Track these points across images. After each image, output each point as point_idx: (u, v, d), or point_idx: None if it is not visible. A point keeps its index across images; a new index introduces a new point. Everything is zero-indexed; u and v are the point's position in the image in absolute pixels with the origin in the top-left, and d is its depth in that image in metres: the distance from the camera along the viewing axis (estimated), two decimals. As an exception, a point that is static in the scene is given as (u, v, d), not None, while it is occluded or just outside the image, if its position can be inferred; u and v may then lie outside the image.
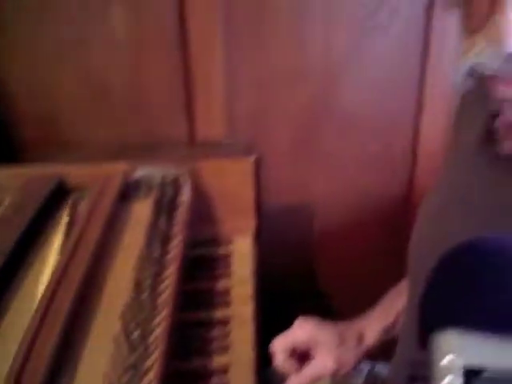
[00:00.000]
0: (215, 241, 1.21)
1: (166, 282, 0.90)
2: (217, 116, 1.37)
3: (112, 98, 1.37)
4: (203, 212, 1.19)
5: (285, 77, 1.34)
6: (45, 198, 1.10)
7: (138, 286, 0.86)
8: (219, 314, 1.01)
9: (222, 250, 1.19)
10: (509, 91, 0.48)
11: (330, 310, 1.61)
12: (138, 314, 0.81)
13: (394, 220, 1.55)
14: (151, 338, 0.78)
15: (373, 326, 0.87)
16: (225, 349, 0.93)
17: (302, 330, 0.85)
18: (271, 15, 1.29)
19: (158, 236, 0.99)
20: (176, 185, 1.12)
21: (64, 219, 1.10)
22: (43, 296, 0.81)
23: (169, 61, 1.32)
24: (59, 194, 1.15)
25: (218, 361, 0.93)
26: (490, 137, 0.61)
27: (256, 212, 1.22)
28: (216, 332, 0.96)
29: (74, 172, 1.19)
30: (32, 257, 0.97)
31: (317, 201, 1.52)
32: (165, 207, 1.06)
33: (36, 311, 0.78)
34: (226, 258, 1.16)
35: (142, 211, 1.09)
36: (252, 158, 1.19)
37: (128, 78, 1.35)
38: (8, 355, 0.71)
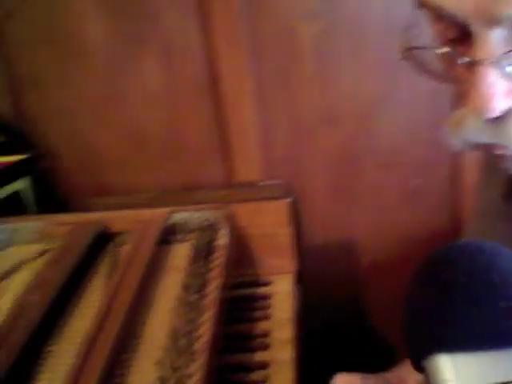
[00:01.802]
0: (254, 282, 1.18)
1: (204, 328, 0.88)
2: (253, 157, 1.36)
3: (149, 146, 1.39)
4: (241, 253, 1.17)
5: (318, 118, 1.33)
6: (89, 244, 1.11)
7: (175, 331, 0.84)
8: (258, 357, 0.97)
9: (261, 292, 1.16)
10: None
11: (380, 347, 1.55)
12: (174, 360, 0.78)
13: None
14: (187, 386, 0.76)
15: (415, 373, 0.82)
16: (264, 395, 0.89)
17: None
18: (299, 59, 1.29)
19: (195, 280, 0.97)
20: (213, 228, 1.11)
21: (106, 263, 1.11)
22: (84, 341, 0.80)
23: (203, 106, 1.34)
24: (102, 240, 1.16)
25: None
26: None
27: (295, 252, 1.19)
28: (254, 376, 0.93)
29: (115, 218, 1.20)
30: (77, 300, 0.97)
31: (359, 237, 1.48)
32: (202, 251, 1.05)
33: (76, 357, 0.77)
34: (266, 299, 1.13)
35: (180, 255, 1.08)
36: (289, 199, 1.17)
37: (164, 125, 1.37)
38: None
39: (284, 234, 1.17)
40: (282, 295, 1.14)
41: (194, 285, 0.96)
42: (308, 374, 1.02)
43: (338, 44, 1.27)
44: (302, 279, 1.20)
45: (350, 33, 1.26)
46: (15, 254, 1.14)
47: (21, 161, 1.37)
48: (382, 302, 1.53)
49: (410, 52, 0.48)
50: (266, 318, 1.07)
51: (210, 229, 1.11)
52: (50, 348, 0.84)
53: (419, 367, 0.44)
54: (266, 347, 0.99)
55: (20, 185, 1.37)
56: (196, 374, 0.78)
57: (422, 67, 0.49)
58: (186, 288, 0.95)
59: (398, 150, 1.37)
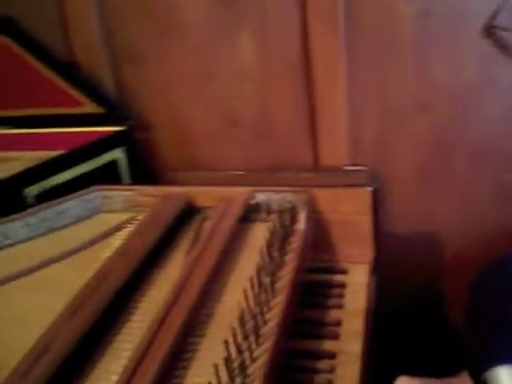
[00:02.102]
0: (331, 269, 1.16)
1: (274, 311, 0.88)
2: (341, 142, 1.33)
3: (240, 124, 1.39)
4: (320, 239, 1.16)
5: (410, 105, 1.27)
6: (174, 217, 1.14)
7: (243, 313, 0.84)
8: (326, 346, 0.96)
9: (337, 280, 1.14)
10: None
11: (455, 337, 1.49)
12: (241, 342, 0.79)
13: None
14: (251, 368, 0.76)
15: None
16: (328, 384, 0.88)
17: None
18: (396, 42, 1.22)
19: (270, 262, 0.97)
20: (293, 212, 1.10)
21: (189, 237, 1.13)
22: (158, 312, 0.83)
23: (294, 87, 1.32)
24: (187, 213, 1.19)
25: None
26: None
27: (374, 242, 1.15)
28: (320, 365, 0.91)
29: (201, 193, 1.21)
30: (158, 271, 1.00)
31: (443, 228, 1.41)
32: (280, 233, 1.04)
33: (149, 328, 0.79)
34: (340, 287, 1.11)
35: (258, 235, 1.08)
36: (371, 188, 1.13)
37: (255, 104, 1.36)
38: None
39: (364, 222, 1.14)
40: (357, 285, 1.11)
41: (269, 267, 0.96)
42: (380, 362, 1.00)
43: (437, 28, 1.19)
44: (378, 269, 1.17)
45: (450, 17, 1.18)
46: (105, 220, 1.19)
47: (118, 132, 1.43)
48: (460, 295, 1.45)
49: (492, 30, 0.45)
50: (339, 306, 1.05)
51: (289, 212, 1.10)
52: (127, 317, 0.88)
53: (479, 380, 0.41)
54: (335, 337, 0.97)
55: (116, 155, 1.42)
56: (261, 357, 0.78)
57: (504, 48, 0.46)
58: (261, 269, 0.94)
59: (492, 142, 1.28)
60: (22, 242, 1.12)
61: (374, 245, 1.16)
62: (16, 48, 1.34)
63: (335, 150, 1.34)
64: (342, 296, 1.08)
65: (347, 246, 1.16)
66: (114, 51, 1.43)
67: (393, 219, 1.39)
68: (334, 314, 1.03)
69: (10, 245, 1.10)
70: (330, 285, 1.12)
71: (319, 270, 1.15)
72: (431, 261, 1.44)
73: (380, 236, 1.22)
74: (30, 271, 1.00)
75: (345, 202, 1.14)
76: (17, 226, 1.12)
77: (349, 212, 1.14)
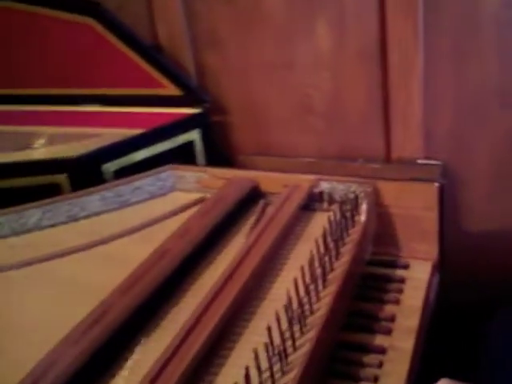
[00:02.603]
0: (392, 263, 1.11)
1: (323, 302, 0.85)
2: (415, 133, 1.27)
3: (314, 111, 1.36)
4: (382, 232, 1.11)
5: (489, 98, 1.18)
6: (238, 199, 1.14)
7: (290, 300, 0.82)
8: (378, 341, 0.92)
9: (397, 274, 1.09)
10: None
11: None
12: (284, 329, 0.77)
13: None
14: (292, 356, 0.75)
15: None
16: (374, 380, 0.84)
17: None
18: (476, 34, 1.14)
19: (327, 252, 0.94)
20: (356, 203, 1.06)
21: (251, 220, 1.12)
22: (210, 291, 0.82)
23: (369, 78, 1.27)
24: (252, 198, 1.18)
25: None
26: None
27: (439, 239, 1.09)
28: (368, 359, 0.87)
29: (268, 179, 1.20)
30: (218, 248, 1.01)
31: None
32: (340, 224, 1.01)
33: (198, 306, 0.79)
34: (400, 283, 1.06)
35: (318, 225, 1.06)
36: (437, 183, 1.06)
37: (330, 92, 1.33)
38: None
39: (430, 218, 1.08)
40: (417, 282, 1.05)
41: (323, 257, 0.93)
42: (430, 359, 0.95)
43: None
44: (442, 267, 1.10)
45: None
46: (177, 199, 1.21)
47: (195, 114, 1.44)
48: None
49: None
50: (396, 302, 1.00)
51: (351, 203, 1.06)
52: (182, 294, 0.88)
53: None
54: (388, 332, 0.93)
55: (193, 136, 1.44)
56: (304, 346, 0.76)
57: None
58: (314, 259, 0.92)
59: None
60: (96, 214, 1.16)
61: (439, 242, 1.09)
62: (103, 30, 1.39)
63: (408, 141, 1.28)
64: (400, 291, 1.03)
65: (411, 241, 1.11)
66: (196, 36, 1.44)
67: (466, 217, 1.30)
68: (389, 309, 0.99)
69: (86, 217, 1.15)
70: (390, 279, 1.07)
71: (380, 264, 1.11)
72: (505, 262, 1.34)
73: (448, 234, 1.15)
74: (99, 244, 1.03)
75: (410, 196, 1.08)
76: (93, 199, 1.16)
77: (414, 207, 1.08)
